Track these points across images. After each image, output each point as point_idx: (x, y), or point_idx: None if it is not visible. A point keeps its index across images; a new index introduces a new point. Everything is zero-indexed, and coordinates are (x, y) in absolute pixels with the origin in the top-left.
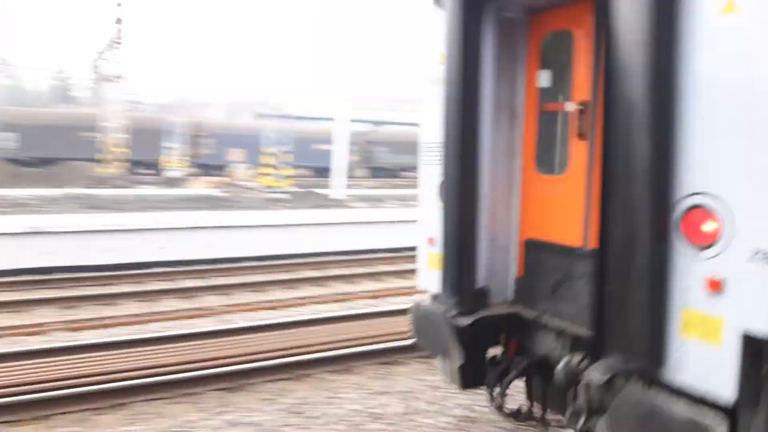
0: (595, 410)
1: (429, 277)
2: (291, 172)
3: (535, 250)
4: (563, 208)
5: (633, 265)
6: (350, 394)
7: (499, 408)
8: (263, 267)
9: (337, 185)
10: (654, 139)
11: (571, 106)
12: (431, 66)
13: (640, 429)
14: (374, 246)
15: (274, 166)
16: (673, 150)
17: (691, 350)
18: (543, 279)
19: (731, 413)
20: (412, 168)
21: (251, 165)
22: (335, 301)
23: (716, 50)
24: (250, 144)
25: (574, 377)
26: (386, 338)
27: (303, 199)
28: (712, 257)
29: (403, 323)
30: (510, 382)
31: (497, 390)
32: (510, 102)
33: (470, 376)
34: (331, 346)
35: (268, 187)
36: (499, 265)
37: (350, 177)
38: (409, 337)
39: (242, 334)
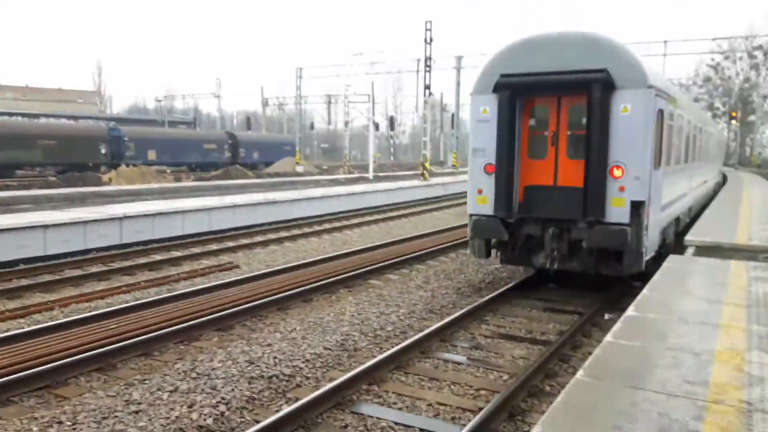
0: (563, 249)
1: (477, 207)
2: None
3: (529, 189)
4: (544, 171)
5: (597, 186)
6: None
7: (508, 260)
8: None
9: None
10: (603, 143)
11: (547, 133)
12: (480, 114)
13: (602, 236)
14: None
15: None
16: (608, 147)
17: (615, 210)
18: (533, 201)
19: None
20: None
21: None
22: None
23: (620, 119)
24: None
25: (557, 236)
26: None
27: None
28: (621, 180)
29: None
30: (519, 246)
31: (505, 253)
32: (518, 130)
33: (489, 252)
34: None
35: None
36: (514, 197)
37: None
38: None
39: None
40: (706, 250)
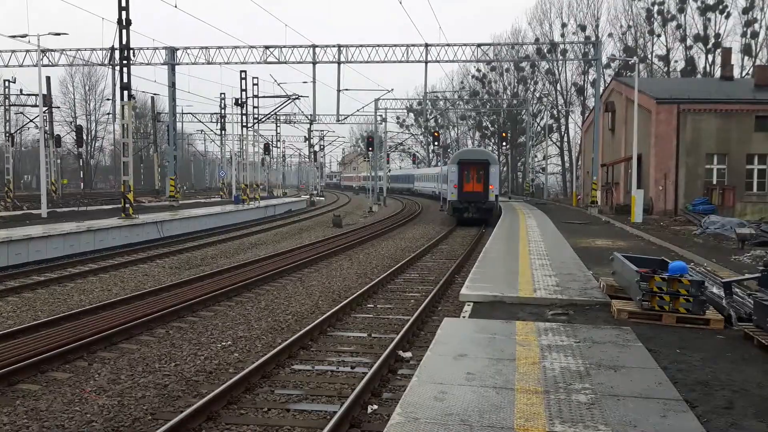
0: (474, 211)
1: (451, 197)
2: None
3: (465, 192)
4: (470, 187)
5: (486, 191)
6: None
7: (455, 216)
8: None
9: None
10: (487, 180)
11: (470, 176)
12: (452, 170)
13: (488, 205)
14: None
15: None
16: (489, 180)
17: (490, 198)
18: (467, 195)
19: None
20: None
21: None
22: None
23: (491, 173)
24: None
25: (473, 206)
26: None
27: None
28: (492, 189)
29: None
30: (461, 209)
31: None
32: (461, 175)
33: (453, 214)
34: None
35: None
36: (461, 194)
37: None
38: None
39: None
40: (486, 308)
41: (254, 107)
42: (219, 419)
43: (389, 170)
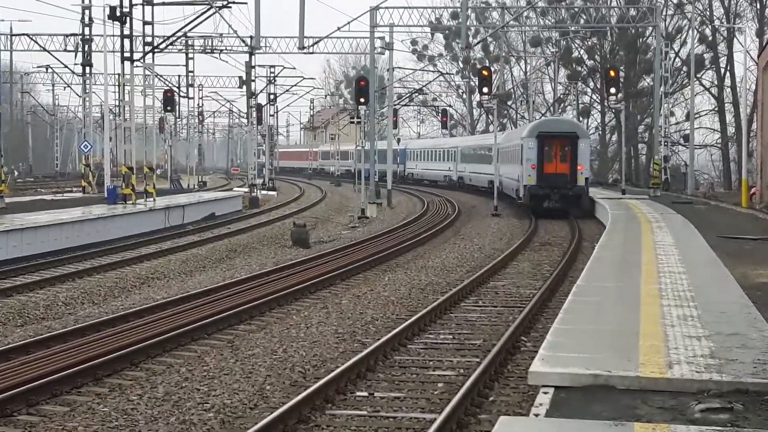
0: (557, 199)
1: (528, 181)
2: None
3: (546, 174)
4: (552, 168)
5: (574, 173)
6: None
7: (532, 204)
8: None
9: None
10: (575, 158)
11: (552, 153)
12: (529, 145)
13: (577, 191)
14: None
15: None
16: (577, 159)
17: (579, 182)
18: (548, 178)
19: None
20: None
21: None
22: None
23: (580, 149)
24: None
25: (557, 193)
26: None
27: None
28: (581, 171)
29: None
30: (541, 196)
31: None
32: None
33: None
34: None
35: None
36: (541, 177)
37: None
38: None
39: None
40: (579, 398)
41: (146, 24)
42: None
43: (398, 139)
